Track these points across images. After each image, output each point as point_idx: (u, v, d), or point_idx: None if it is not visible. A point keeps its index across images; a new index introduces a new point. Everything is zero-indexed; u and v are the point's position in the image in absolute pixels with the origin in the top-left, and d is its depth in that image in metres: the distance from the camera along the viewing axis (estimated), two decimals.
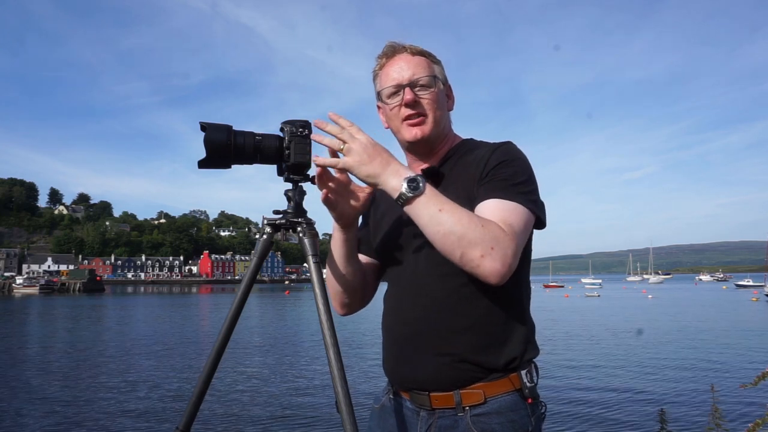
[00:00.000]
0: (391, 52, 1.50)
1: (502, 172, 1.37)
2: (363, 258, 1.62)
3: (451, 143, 1.55)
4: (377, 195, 1.61)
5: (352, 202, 1.45)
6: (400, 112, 1.47)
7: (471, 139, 1.58)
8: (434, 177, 1.48)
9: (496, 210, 1.31)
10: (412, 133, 1.47)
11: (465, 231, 1.23)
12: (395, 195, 1.28)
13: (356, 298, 1.62)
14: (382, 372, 1.58)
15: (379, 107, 1.56)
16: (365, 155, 1.29)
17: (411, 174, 1.29)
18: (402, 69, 1.46)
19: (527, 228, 1.34)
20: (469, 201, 1.38)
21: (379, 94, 1.53)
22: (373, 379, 13.09)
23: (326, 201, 1.43)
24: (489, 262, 1.23)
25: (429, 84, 1.46)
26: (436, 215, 1.25)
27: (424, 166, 1.53)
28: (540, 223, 1.41)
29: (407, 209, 1.29)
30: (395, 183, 1.28)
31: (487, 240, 1.23)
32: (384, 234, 1.58)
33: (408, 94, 1.44)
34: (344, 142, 1.30)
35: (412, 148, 1.53)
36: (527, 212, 1.34)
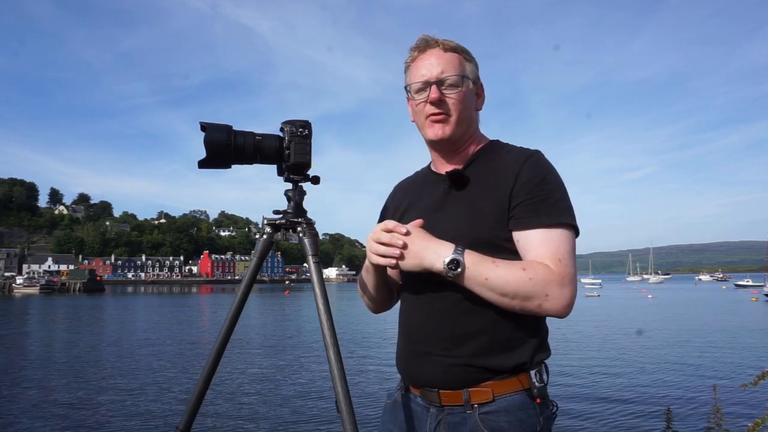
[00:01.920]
0: (424, 45, 1.48)
1: (539, 191, 1.37)
2: None
3: (478, 144, 1.54)
4: (394, 197, 1.68)
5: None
6: (425, 109, 1.47)
7: (498, 141, 1.56)
8: (460, 180, 1.47)
9: (543, 244, 1.34)
10: (434, 131, 1.47)
11: (516, 291, 1.29)
12: (441, 274, 1.34)
13: (386, 305, 1.69)
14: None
15: (408, 99, 1.56)
16: (420, 255, 1.33)
17: (448, 254, 1.31)
18: (432, 65, 1.45)
19: (575, 248, 1.38)
20: (499, 212, 1.39)
21: (407, 88, 1.52)
22: (376, 379, 13.10)
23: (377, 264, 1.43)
24: (548, 306, 1.30)
25: (456, 83, 1.45)
26: (483, 284, 1.31)
27: (449, 167, 1.51)
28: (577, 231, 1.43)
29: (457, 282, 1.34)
30: (437, 266, 1.32)
31: (539, 290, 1.29)
32: None
33: (434, 93, 1.43)
34: (400, 248, 1.34)
35: (435, 146, 1.54)
36: (571, 234, 1.37)
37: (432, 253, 1.33)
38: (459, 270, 1.30)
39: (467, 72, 1.48)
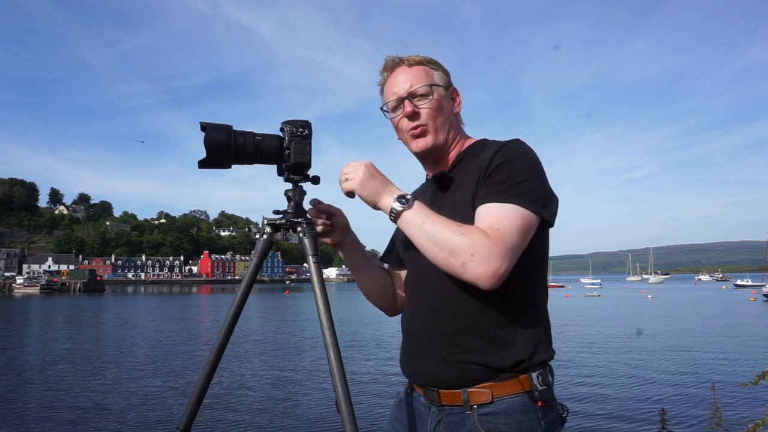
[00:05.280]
0: (391, 65, 1.55)
1: (501, 173, 1.36)
2: (394, 268, 1.74)
3: (462, 146, 1.57)
4: None
5: (335, 230, 1.61)
6: (404, 125, 1.52)
7: (484, 139, 1.58)
8: (444, 182, 1.50)
9: (488, 215, 1.32)
10: (416, 145, 1.52)
11: (444, 241, 1.29)
12: (388, 212, 1.39)
13: (390, 303, 1.73)
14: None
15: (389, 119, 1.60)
16: (366, 177, 1.41)
17: (403, 193, 1.39)
18: (401, 82, 1.51)
19: (523, 228, 1.31)
20: (473, 201, 1.40)
21: (383, 108, 1.57)
22: (376, 379, 13.10)
23: (321, 234, 1.58)
24: (472, 269, 1.26)
25: (426, 93, 1.49)
26: (420, 227, 1.33)
27: (435, 172, 1.56)
28: (545, 221, 1.38)
29: (399, 224, 1.39)
30: (389, 201, 1.39)
31: (466, 247, 1.26)
32: (402, 237, 1.61)
33: (407, 107, 1.49)
34: (345, 174, 1.45)
35: (421, 156, 1.58)
36: (524, 212, 1.31)
37: (388, 190, 1.41)
38: (406, 205, 1.36)
39: (436, 80, 1.52)
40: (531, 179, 1.36)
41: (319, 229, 1.55)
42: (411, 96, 1.49)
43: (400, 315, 1.65)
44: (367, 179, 1.40)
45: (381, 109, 1.58)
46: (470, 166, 1.48)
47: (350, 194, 1.45)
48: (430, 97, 1.49)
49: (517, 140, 1.45)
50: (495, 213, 1.31)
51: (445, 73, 1.56)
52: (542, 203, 1.36)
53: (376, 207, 1.42)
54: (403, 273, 1.68)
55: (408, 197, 1.37)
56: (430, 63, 1.54)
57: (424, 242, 1.33)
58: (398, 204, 1.36)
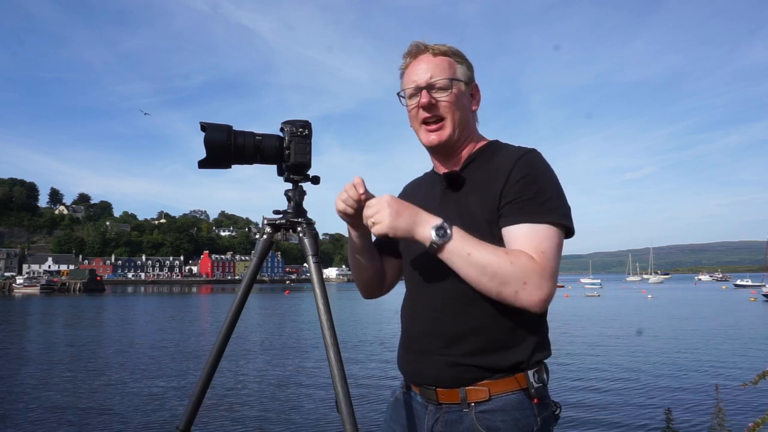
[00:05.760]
0: (415, 51, 1.51)
1: (528, 190, 1.36)
2: (389, 258, 1.70)
3: (476, 145, 1.54)
4: (402, 196, 1.68)
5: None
6: (419, 115, 1.49)
7: (497, 141, 1.56)
8: (455, 181, 1.48)
9: (527, 238, 1.33)
10: (429, 138, 1.49)
11: (495, 272, 1.28)
12: (427, 244, 1.33)
13: (374, 288, 1.72)
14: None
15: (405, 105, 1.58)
16: (393, 217, 1.33)
17: (437, 222, 1.32)
18: (422, 71, 1.47)
19: (560, 246, 1.36)
20: (490, 212, 1.39)
21: (401, 94, 1.54)
22: (376, 379, 13.09)
23: (344, 213, 1.48)
24: (524, 296, 1.28)
25: (446, 86, 1.46)
26: (466, 259, 1.30)
27: (447, 169, 1.53)
28: (569, 232, 1.41)
29: (440, 256, 1.33)
30: (426, 233, 1.32)
31: (518, 276, 1.27)
32: None
33: (424, 97, 1.45)
34: (371, 217, 1.36)
35: (432, 150, 1.55)
36: (558, 232, 1.35)
37: (420, 219, 1.34)
38: (446, 237, 1.30)
39: (458, 74, 1.49)
40: (556, 196, 1.38)
41: (352, 201, 1.44)
42: (430, 87, 1.45)
43: (399, 315, 1.64)
44: (395, 218, 1.33)
45: (398, 94, 1.55)
46: (483, 169, 1.47)
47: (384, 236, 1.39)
48: (449, 91, 1.46)
49: (535, 151, 1.44)
50: (535, 235, 1.33)
51: (469, 68, 1.53)
52: (569, 218, 1.39)
53: (413, 241, 1.36)
54: (388, 259, 1.70)
55: (445, 226, 1.31)
56: (456, 55, 1.50)
57: (470, 273, 1.30)
58: (437, 237, 1.30)
